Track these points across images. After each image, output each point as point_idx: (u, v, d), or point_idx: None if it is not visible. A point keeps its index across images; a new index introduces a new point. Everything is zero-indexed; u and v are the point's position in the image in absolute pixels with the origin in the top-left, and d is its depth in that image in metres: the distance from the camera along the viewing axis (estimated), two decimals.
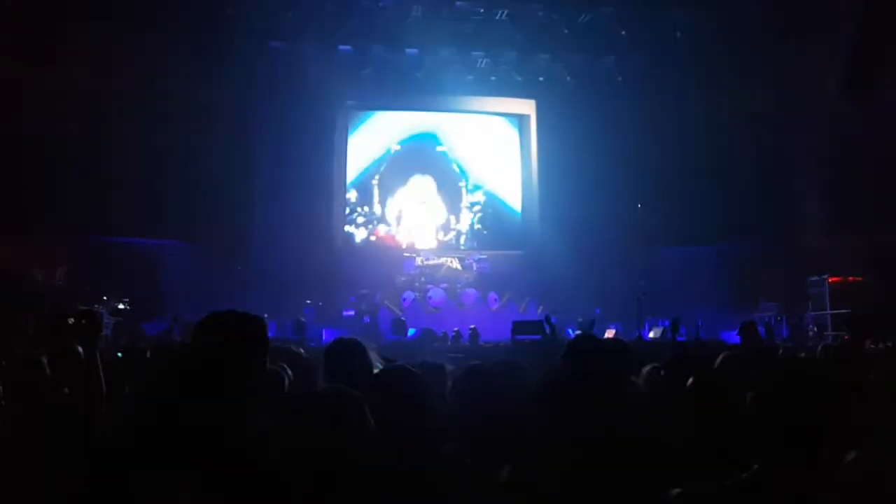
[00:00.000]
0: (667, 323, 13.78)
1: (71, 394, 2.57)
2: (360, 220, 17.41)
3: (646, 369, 3.79)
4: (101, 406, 2.31)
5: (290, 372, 3.19)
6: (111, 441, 1.97)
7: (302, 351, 5.76)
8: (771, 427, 1.66)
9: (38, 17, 12.93)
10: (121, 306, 12.94)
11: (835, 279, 13.65)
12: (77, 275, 12.36)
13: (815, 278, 13.98)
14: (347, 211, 17.35)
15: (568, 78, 16.68)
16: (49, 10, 12.96)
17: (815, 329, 13.60)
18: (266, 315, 14.10)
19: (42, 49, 12.99)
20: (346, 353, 3.07)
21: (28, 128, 13.11)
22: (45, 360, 3.43)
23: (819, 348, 6.13)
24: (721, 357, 4.27)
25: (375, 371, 2.86)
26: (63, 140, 13.82)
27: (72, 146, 13.94)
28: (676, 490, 1.72)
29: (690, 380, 2.77)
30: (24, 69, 12.80)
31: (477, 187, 17.81)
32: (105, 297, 12.65)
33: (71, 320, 2.35)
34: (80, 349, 2.45)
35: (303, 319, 13.74)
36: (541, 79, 16.85)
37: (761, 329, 13.49)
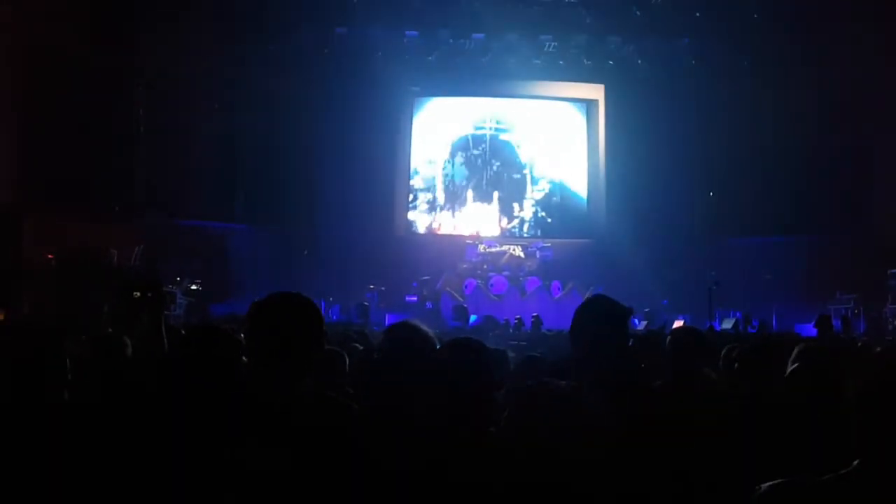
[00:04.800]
0: (738, 314, 13.37)
1: (139, 369, 2.59)
2: (424, 206, 17.41)
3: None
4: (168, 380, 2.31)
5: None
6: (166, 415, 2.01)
7: (366, 333, 5.75)
8: (877, 423, 1.52)
9: (110, 3, 13.28)
10: (193, 287, 13.26)
11: None
12: (152, 256, 12.68)
13: None
14: (411, 198, 17.36)
15: (639, 61, 16.23)
16: None
17: None
18: (331, 298, 14.33)
19: (115, 35, 13.34)
20: (407, 335, 3.00)
21: (103, 112, 13.49)
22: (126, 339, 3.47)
23: None
24: (796, 350, 4.06)
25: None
26: (137, 125, 14.21)
27: (145, 132, 14.32)
28: (768, 484, 1.60)
29: (792, 367, 2.63)
30: (97, 54, 13.15)
31: (541, 175, 17.57)
32: (178, 279, 12.96)
33: (137, 294, 2.36)
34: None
35: (366, 304, 13.84)
36: (611, 62, 16.43)
37: (837, 322, 13.05)
